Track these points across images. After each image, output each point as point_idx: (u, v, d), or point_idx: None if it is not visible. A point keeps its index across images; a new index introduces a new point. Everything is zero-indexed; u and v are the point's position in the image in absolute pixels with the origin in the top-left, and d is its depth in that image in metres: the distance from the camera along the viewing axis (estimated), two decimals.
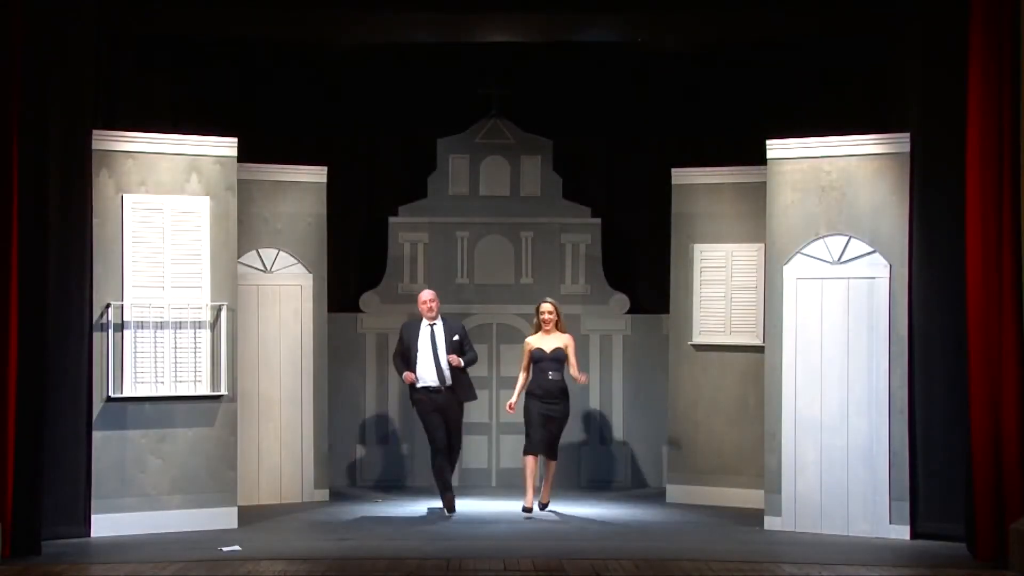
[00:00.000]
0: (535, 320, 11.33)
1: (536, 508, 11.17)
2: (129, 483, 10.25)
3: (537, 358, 11.19)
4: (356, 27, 11.25)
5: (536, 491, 11.16)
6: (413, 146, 13.33)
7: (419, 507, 11.49)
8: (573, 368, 11.22)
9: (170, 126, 11.21)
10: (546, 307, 11.30)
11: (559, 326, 11.26)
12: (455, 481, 11.48)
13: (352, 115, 13.09)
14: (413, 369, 11.09)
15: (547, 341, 11.22)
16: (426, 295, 11.35)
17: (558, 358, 11.17)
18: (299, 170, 12.10)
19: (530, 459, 11.07)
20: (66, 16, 9.83)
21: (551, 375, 11.14)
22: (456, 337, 11.22)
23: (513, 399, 11.25)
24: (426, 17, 10.94)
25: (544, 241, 13.10)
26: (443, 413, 11.09)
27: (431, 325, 11.19)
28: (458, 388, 11.17)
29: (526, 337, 11.48)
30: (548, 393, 11.12)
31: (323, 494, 11.96)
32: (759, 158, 10.91)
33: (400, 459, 12.67)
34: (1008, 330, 9.26)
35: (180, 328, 10.45)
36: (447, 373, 11.09)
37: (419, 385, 11.08)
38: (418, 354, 11.10)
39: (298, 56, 12.46)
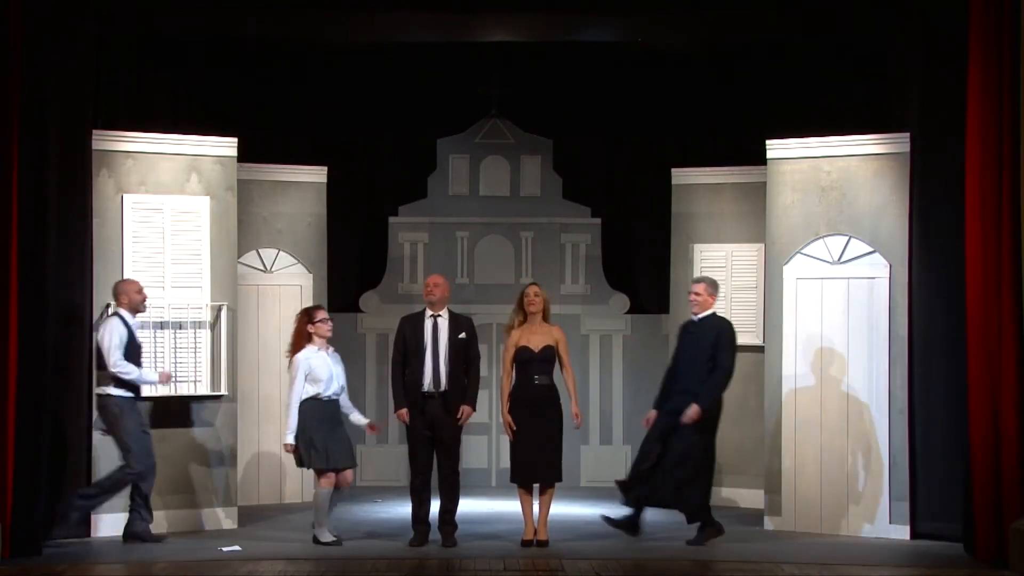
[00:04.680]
0: (515, 307, 9.87)
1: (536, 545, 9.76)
2: None
3: (522, 359, 9.70)
4: (356, 27, 11.25)
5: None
6: (413, 146, 13.34)
7: None
8: (566, 368, 9.82)
9: (170, 126, 11.21)
10: (533, 289, 9.81)
11: (545, 316, 9.82)
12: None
13: (352, 115, 13.09)
14: (418, 375, 9.72)
15: (534, 336, 9.74)
16: (433, 277, 9.95)
17: (547, 358, 9.72)
18: (299, 170, 12.12)
19: (522, 490, 9.79)
20: (66, 16, 9.83)
21: (537, 379, 9.70)
22: (463, 335, 9.77)
23: (505, 409, 9.75)
24: (426, 17, 10.95)
25: (544, 241, 13.11)
26: (433, 430, 9.72)
27: (434, 317, 9.82)
28: (454, 393, 9.74)
29: (507, 327, 9.94)
30: (534, 401, 9.69)
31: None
32: (759, 158, 10.92)
33: (400, 459, 12.65)
34: (1008, 330, 9.26)
35: (180, 328, 10.45)
36: (444, 376, 9.71)
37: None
38: (425, 354, 9.74)
39: (298, 56, 12.47)
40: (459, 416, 9.75)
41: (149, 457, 9.85)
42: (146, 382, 9.93)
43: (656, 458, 9.81)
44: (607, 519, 9.97)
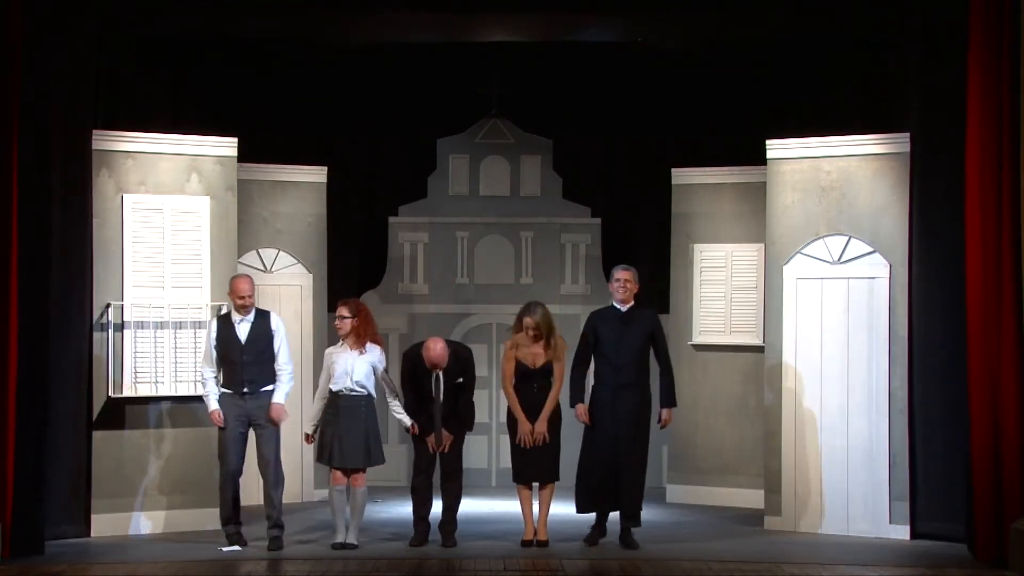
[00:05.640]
0: (515, 325, 9.86)
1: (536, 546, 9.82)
2: (129, 483, 10.25)
3: (522, 372, 9.77)
4: (356, 27, 11.25)
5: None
6: (413, 146, 13.33)
7: None
8: (556, 382, 9.75)
9: (170, 126, 11.21)
10: (529, 321, 9.71)
11: (549, 338, 9.76)
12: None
13: (352, 115, 13.09)
14: (426, 406, 9.79)
15: (531, 354, 9.78)
16: (438, 358, 9.68)
17: (546, 372, 9.79)
18: (299, 170, 12.11)
19: (523, 489, 9.84)
20: (66, 16, 9.83)
21: (537, 386, 9.77)
22: (460, 380, 9.83)
23: (525, 423, 9.67)
24: (426, 17, 10.94)
25: (544, 241, 13.10)
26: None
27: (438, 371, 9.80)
28: (452, 419, 9.84)
29: (509, 339, 9.97)
30: (535, 406, 9.74)
31: (323, 494, 11.92)
32: (759, 158, 10.92)
33: (400, 459, 12.65)
34: (1008, 329, 9.26)
35: (180, 328, 10.45)
36: (445, 414, 9.77)
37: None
38: (431, 397, 9.77)
39: (298, 56, 12.45)
40: (443, 438, 9.78)
41: (228, 461, 9.71)
42: (206, 396, 9.79)
43: (612, 464, 9.70)
44: (588, 542, 9.83)
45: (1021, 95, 9.23)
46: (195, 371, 10.34)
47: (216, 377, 9.79)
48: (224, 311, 10.04)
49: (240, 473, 9.78)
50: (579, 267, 13.12)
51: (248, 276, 10.05)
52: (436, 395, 9.75)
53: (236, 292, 9.78)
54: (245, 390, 9.73)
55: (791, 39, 11.59)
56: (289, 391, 9.91)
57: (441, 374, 9.76)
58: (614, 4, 10.88)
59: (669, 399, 9.87)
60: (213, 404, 9.76)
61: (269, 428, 9.77)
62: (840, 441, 10.38)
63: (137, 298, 10.33)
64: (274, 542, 9.65)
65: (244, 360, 9.73)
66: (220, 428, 9.72)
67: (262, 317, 9.86)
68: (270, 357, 9.80)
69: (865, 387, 10.31)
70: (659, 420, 9.87)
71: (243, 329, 9.77)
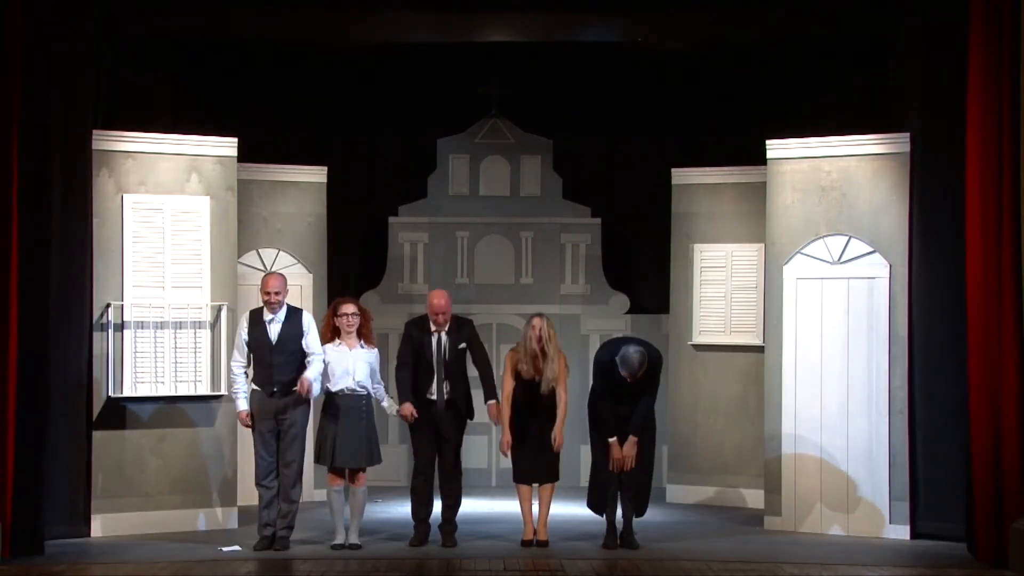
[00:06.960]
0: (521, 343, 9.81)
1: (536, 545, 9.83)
2: (129, 483, 10.26)
3: (524, 398, 9.79)
4: (356, 27, 11.25)
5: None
6: (413, 146, 13.34)
7: None
8: (559, 417, 9.78)
9: (170, 126, 11.21)
10: (537, 321, 9.69)
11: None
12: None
13: (352, 115, 13.10)
14: (424, 384, 9.78)
15: (533, 365, 9.75)
16: (440, 303, 9.75)
17: (550, 406, 9.81)
18: (299, 170, 12.11)
19: (523, 488, 9.83)
20: (66, 16, 9.84)
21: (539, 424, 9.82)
22: (463, 345, 9.83)
23: (507, 436, 9.74)
24: (426, 17, 10.95)
25: (544, 241, 13.11)
26: (437, 427, 9.85)
27: (439, 332, 9.82)
28: (459, 401, 9.88)
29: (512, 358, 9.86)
30: (535, 404, 9.81)
31: (323, 494, 11.92)
32: (759, 158, 10.92)
33: (400, 459, 12.66)
34: (1008, 329, 9.26)
35: (180, 328, 10.45)
36: (448, 387, 9.79)
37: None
38: (432, 367, 9.78)
39: (298, 56, 12.47)
40: (491, 413, 9.83)
41: (261, 467, 9.67)
42: (235, 395, 9.76)
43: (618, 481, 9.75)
44: (606, 546, 9.82)
45: (1021, 95, 9.23)
46: (195, 371, 10.37)
47: (246, 372, 9.78)
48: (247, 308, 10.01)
49: (275, 470, 9.67)
50: (579, 267, 13.12)
51: (280, 274, 9.93)
52: (438, 355, 9.70)
53: (262, 288, 9.73)
54: (275, 390, 9.66)
55: (791, 39, 11.60)
56: (319, 373, 9.63)
57: (444, 335, 9.74)
58: (614, 4, 10.88)
59: (632, 426, 9.68)
60: (242, 404, 9.72)
61: (295, 427, 9.69)
62: (840, 441, 10.38)
63: (137, 298, 10.33)
64: (281, 541, 9.64)
65: (275, 362, 9.65)
66: (263, 437, 9.68)
67: (293, 316, 9.75)
68: (301, 356, 9.70)
69: (865, 387, 10.32)
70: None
71: (274, 330, 9.67)
